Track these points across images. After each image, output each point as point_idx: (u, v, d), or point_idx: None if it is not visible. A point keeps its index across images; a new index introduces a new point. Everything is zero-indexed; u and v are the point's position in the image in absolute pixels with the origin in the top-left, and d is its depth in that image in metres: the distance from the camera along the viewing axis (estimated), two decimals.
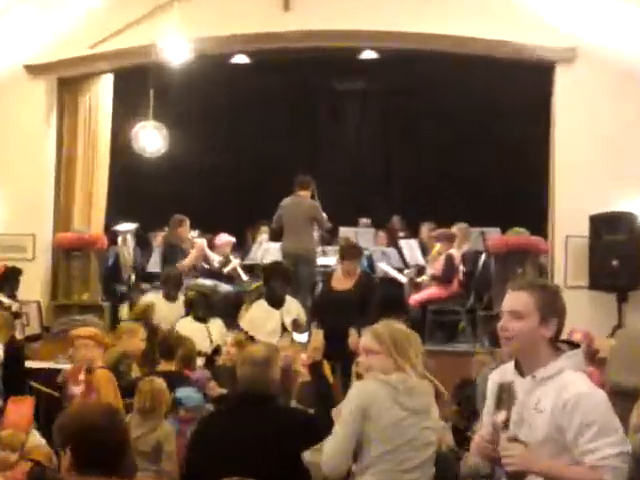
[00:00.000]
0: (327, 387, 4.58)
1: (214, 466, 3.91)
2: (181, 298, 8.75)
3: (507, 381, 3.08)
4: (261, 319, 8.07)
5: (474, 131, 12.36)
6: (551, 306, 3.12)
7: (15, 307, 8.65)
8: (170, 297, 8.77)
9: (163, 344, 6.63)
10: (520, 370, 3.17)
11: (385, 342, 3.71)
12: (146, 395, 5.27)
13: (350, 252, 8.20)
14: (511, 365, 3.22)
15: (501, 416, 2.98)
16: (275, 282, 8.20)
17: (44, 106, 10.96)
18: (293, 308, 8.22)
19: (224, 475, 3.76)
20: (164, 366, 6.40)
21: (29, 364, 7.57)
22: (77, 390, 5.82)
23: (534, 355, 3.11)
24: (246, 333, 7.78)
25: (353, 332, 7.26)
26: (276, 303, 8.14)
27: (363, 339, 3.81)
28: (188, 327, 7.91)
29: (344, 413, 3.65)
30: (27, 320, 9.22)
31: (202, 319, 8.18)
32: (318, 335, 4.94)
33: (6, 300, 8.66)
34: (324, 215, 9.92)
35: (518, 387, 3.06)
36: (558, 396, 3.01)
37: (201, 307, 8.24)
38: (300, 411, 4.65)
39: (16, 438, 5.07)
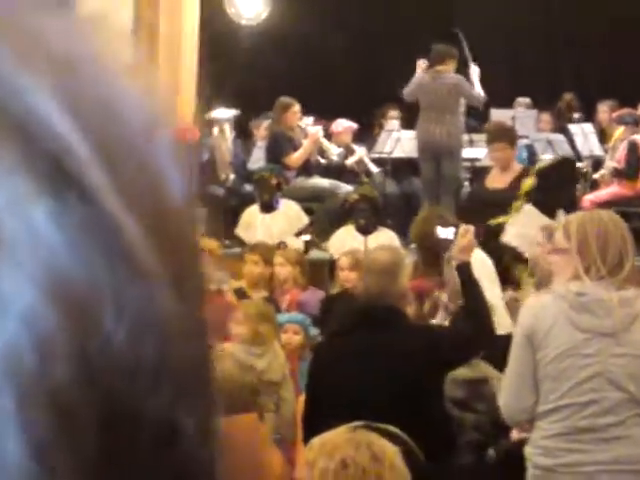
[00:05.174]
0: (480, 294, 4.14)
1: (334, 403, 3.79)
2: (284, 205, 8.37)
3: None
4: None
5: None
6: None
7: None
8: (266, 207, 8.34)
9: None
10: None
11: (571, 235, 3.30)
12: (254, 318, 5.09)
13: (495, 134, 7.57)
14: None
15: None
16: None
17: None
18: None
19: (346, 415, 3.56)
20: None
21: None
22: None
23: None
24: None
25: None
26: None
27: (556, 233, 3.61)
28: (344, 241, 7.51)
29: (513, 342, 3.44)
30: None
31: (366, 230, 7.53)
32: (468, 232, 4.30)
33: None
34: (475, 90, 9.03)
35: None
36: None
37: (365, 214, 7.64)
38: (438, 327, 4.58)
39: None
